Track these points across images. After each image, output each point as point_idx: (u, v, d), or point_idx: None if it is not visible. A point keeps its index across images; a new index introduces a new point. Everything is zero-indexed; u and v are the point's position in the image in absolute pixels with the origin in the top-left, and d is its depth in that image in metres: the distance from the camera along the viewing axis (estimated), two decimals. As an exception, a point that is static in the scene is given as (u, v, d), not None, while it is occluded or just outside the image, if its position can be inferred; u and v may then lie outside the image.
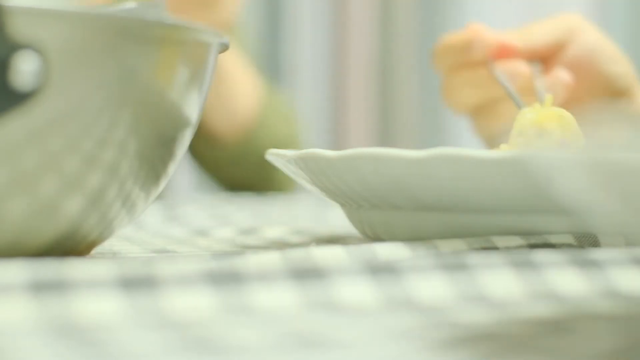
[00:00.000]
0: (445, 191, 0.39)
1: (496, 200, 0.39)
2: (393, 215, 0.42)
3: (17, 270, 0.27)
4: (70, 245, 0.38)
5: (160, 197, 1.09)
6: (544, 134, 0.45)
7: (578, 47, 0.60)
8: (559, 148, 0.24)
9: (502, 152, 0.38)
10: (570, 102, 0.62)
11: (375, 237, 0.44)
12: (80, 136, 0.35)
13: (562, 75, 0.57)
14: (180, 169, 1.73)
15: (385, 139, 1.96)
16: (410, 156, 0.39)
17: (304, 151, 0.42)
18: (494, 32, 0.58)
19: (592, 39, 0.60)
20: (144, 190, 0.39)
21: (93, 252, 0.44)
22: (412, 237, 0.42)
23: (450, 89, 0.60)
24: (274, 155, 0.45)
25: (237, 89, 1.05)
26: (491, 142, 0.61)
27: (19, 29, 0.34)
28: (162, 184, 0.40)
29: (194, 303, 0.28)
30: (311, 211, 0.71)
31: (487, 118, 0.60)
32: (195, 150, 1.10)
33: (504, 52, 0.58)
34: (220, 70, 1.01)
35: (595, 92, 0.61)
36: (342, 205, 0.45)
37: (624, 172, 0.22)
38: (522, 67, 0.57)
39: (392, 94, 1.97)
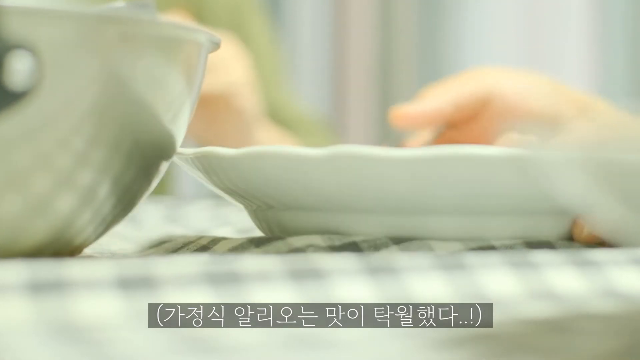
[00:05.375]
0: (349, 190, 0.38)
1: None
2: (299, 215, 0.41)
3: (14, 271, 0.27)
4: (64, 243, 0.38)
5: (162, 197, 1.09)
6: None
7: (498, 106, 0.59)
8: (559, 148, 0.24)
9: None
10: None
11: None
12: (72, 135, 0.35)
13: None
14: (181, 169, 1.72)
15: (384, 139, 1.97)
16: (311, 154, 0.38)
17: (200, 149, 0.41)
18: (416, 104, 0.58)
19: (511, 91, 0.59)
20: (136, 188, 0.39)
21: (92, 252, 0.44)
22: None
23: None
24: (177, 155, 0.43)
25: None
26: None
27: (11, 28, 0.34)
28: (155, 181, 0.40)
29: (193, 303, 0.28)
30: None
31: None
32: None
33: (416, 121, 0.58)
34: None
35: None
36: (246, 207, 0.44)
37: (624, 172, 0.22)
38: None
39: (392, 94, 1.97)
